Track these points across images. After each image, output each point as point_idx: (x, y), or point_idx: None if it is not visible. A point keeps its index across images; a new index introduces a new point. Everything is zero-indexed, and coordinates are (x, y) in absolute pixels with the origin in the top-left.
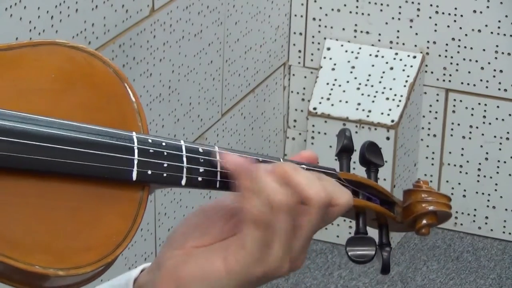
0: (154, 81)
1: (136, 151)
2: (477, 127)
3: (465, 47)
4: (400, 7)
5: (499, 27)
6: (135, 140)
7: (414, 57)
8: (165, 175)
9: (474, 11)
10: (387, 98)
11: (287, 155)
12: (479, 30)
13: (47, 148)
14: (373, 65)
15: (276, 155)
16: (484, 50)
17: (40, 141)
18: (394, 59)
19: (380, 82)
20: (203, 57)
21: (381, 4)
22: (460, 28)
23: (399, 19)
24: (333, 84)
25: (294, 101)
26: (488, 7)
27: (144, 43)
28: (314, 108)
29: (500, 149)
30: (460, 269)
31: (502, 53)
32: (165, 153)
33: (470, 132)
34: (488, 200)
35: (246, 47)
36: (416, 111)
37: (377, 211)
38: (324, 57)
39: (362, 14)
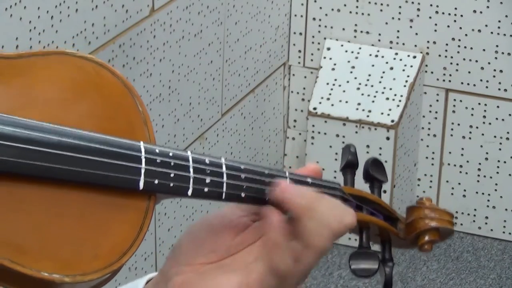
0: (154, 81)
1: (143, 161)
2: (477, 127)
3: (465, 47)
4: (400, 7)
5: (499, 27)
6: (143, 150)
7: (414, 57)
8: (171, 185)
9: (474, 11)
10: (387, 98)
11: (287, 155)
12: (479, 30)
13: (56, 155)
14: (373, 65)
15: (276, 155)
16: (484, 50)
17: (48, 148)
18: (394, 59)
19: (380, 82)
20: (203, 57)
21: (381, 4)
22: (460, 28)
23: (399, 19)
24: (333, 84)
25: (294, 101)
26: (488, 7)
27: (144, 43)
28: (314, 108)
29: (500, 149)
30: (460, 269)
31: (502, 53)
32: (172, 163)
33: (470, 132)
34: (488, 200)
35: (246, 47)
36: (416, 111)
37: (380, 226)
38: (324, 57)
39: (362, 14)
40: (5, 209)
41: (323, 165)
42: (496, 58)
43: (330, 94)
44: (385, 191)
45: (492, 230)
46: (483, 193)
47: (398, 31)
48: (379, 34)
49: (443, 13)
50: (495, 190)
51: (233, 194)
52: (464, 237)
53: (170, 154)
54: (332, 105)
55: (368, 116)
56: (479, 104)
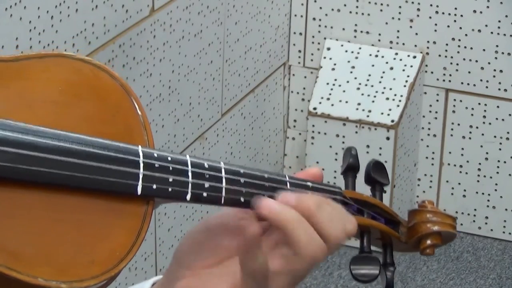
0: (154, 81)
1: (141, 165)
2: (477, 127)
3: (465, 47)
4: (400, 7)
5: (499, 27)
6: (141, 154)
7: (414, 57)
8: (170, 189)
9: (474, 11)
10: (387, 98)
11: (287, 155)
12: (479, 30)
13: (52, 160)
14: (373, 65)
15: (276, 155)
16: (484, 50)
17: (45, 153)
18: (394, 59)
19: (380, 82)
20: (203, 57)
21: (381, 4)
22: (460, 28)
23: (399, 19)
24: (333, 84)
25: (294, 101)
26: (488, 7)
27: (144, 43)
28: (314, 108)
29: (500, 149)
30: (460, 269)
31: (502, 53)
32: (171, 168)
33: (470, 132)
34: (488, 200)
35: (246, 47)
36: (416, 111)
37: (382, 230)
38: (324, 57)
39: (362, 14)
40: (0, 214)
41: (323, 165)
42: (496, 58)
43: (330, 94)
44: (385, 191)
45: (492, 230)
46: (483, 193)
47: (398, 31)
48: (379, 34)
49: (443, 13)
50: (495, 190)
51: (232, 199)
52: (464, 237)
53: (169, 158)
54: (332, 105)
55: (368, 116)
56: (479, 104)
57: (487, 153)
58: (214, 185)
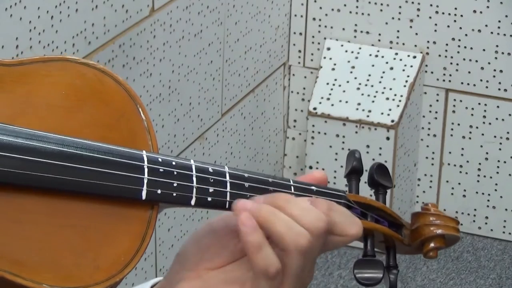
0: (154, 81)
1: (146, 170)
2: (477, 127)
3: (465, 47)
4: (400, 7)
5: (499, 27)
6: (145, 159)
7: (414, 57)
8: (174, 194)
9: (474, 11)
10: (387, 98)
11: (287, 155)
12: (479, 30)
13: (57, 165)
14: (373, 65)
15: (276, 155)
16: (484, 50)
17: (49, 158)
18: (394, 59)
19: (380, 82)
20: (203, 57)
21: (381, 4)
22: (460, 28)
23: (399, 19)
24: (333, 84)
25: (294, 101)
26: (488, 7)
27: (144, 43)
28: (314, 108)
29: (500, 149)
30: (460, 269)
31: (502, 53)
32: (175, 173)
33: (470, 132)
34: (488, 200)
35: (246, 47)
36: (416, 111)
37: (385, 233)
38: (324, 57)
39: (362, 14)
40: (5, 220)
41: (323, 165)
42: (496, 58)
43: (330, 94)
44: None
45: (492, 230)
46: (483, 193)
47: (398, 31)
48: (379, 34)
49: (443, 13)
50: (495, 190)
51: None
52: (464, 237)
53: (173, 163)
54: (332, 105)
55: (368, 116)
56: (479, 104)
57: (487, 153)
58: (218, 190)
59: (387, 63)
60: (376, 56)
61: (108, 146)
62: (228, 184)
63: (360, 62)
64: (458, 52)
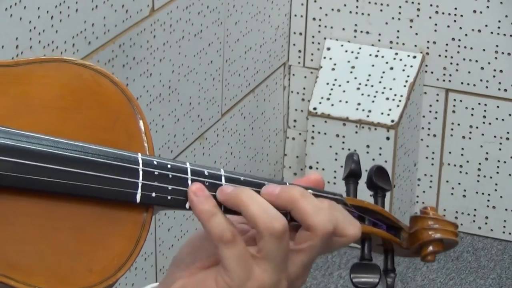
0: (154, 81)
1: (140, 173)
2: (477, 127)
3: (465, 47)
4: (400, 7)
5: (499, 27)
6: (140, 162)
7: (414, 57)
8: (169, 198)
9: (474, 11)
10: (387, 98)
11: (287, 155)
12: (479, 30)
13: (51, 168)
14: (373, 65)
15: (276, 155)
16: (484, 50)
17: (44, 161)
18: (394, 59)
19: (380, 82)
20: (203, 57)
21: (381, 4)
22: (460, 28)
23: (399, 19)
24: (333, 84)
25: (294, 101)
26: (488, 7)
27: (144, 43)
28: (314, 108)
29: (500, 149)
30: (460, 269)
31: (502, 53)
32: (170, 176)
33: (470, 132)
34: (488, 200)
35: (246, 47)
36: (416, 111)
37: (383, 237)
38: (324, 57)
39: (362, 14)
40: None
41: (323, 166)
42: (496, 58)
43: (330, 94)
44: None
45: (492, 230)
46: (483, 193)
47: (398, 31)
48: (379, 34)
49: (443, 13)
50: (495, 190)
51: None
52: (464, 237)
53: (168, 166)
54: (332, 105)
55: (368, 116)
56: (479, 104)
57: (487, 153)
58: (214, 194)
59: (387, 63)
60: (376, 56)
61: (103, 149)
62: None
63: (360, 62)
64: (458, 52)
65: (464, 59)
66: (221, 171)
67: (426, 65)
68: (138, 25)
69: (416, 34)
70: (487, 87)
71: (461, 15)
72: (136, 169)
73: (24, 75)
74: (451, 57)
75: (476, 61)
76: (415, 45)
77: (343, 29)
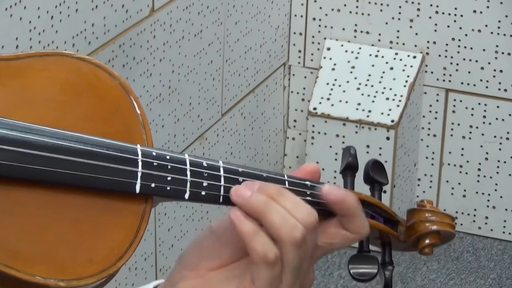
0: (154, 81)
1: (140, 164)
2: (477, 127)
3: (465, 47)
4: (400, 7)
5: (499, 27)
6: (140, 153)
7: (414, 57)
8: (168, 188)
9: (474, 11)
10: (387, 98)
11: (287, 155)
12: (479, 30)
13: (51, 159)
14: (373, 65)
15: (276, 155)
16: (484, 50)
17: (44, 151)
18: (394, 59)
19: (380, 82)
20: (203, 57)
21: (381, 4)
22: (460, 28)
23: (399, 19)
24: (333, 84)
25: (294, 101)
26: (488, 7)
27: (144, 43)
28: (314, 108)
29: (500, 149)
30: (460, 269)
31: (502, 53)
32: (169, 167)
33: (470, 132)
34: (488, 200)
35: (246, 47)
36: (416, 111)
37: (381, 229)
38: (324, 57)
39: (362, 14)
40: None
41: (323, 165)
42: (496, 58)
43: (330, 94)
44: (385, 191)
45: (492, 230)
46: (483, 193)
47: (398, 31)
48: (379, 34)
49: (443, 13)
50: (495, 190)
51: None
52: (464, 237)
53: (167, 157)
54: (332, 105)
55: (368, 116)
56: (479, 104)
57: (487, 153)
58: (212, 184)
59: (387, 63)
60: (376, 56)
61: (103, 140)
62: (222, 178)
63: (360, 62)
64: (458, 52)
65: (464, 59)
66: (219, 163)
67: (426, 65)
68: (138, 25)
69: (416, 34)
70: (487, 87)
71: (461, 15)
72: (136, 159)
73: (24, 68)
74: (451, 57)
75: (476, 61)
76: (415, 45)
77: (343, 29)
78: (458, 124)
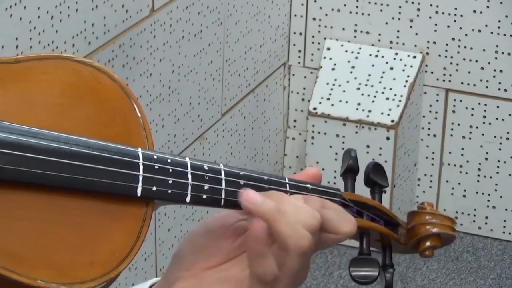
0: (154, 81)
1: (141, 167)
2: (477, 127)
3: (465, 47)
4: (400, 7)
5: (499, 27)
6: (141, 156)
7: (414, 57)
8: (169, 191)
9: (474, 11)
10: (387, 98)
11: (287, 155)
12: (479, 30)
13: (52, 162)
14: (373, 65)
15: (276, 155)
16: (484, 50)
17: (45, 155)
18: (394, 59)
19: (380, 82)
20: (203, 57)
21: (381, 4)
22: (460, 28)
23: (399, 19)
24: (333, 84)
25: (294, 101)
26: (488, 7)
27: (144, 43)
28: (314, 108)
29: (500, 149)
30: (460, 269)
31: (502, 53)
32: (170, 170)
33: (470, 132)
34: (488, 200)
35: (246, 47)
36: (416, 111)
37: (381, 232)
38: (324, 57)
39: (362, 14)
40: (0, 216)
41: (323, 165)
42: (496, 58)
43: (330, 94)
44: (385, 191)
45: (492, 230)
46: (483, 193)
47: (398, 31)
48: (379, 34)
49: (443, 13)
50: (495, 190)
51: (232, 201)
52: (464, 237)
53: (168, 160)
54: (332, 105)
55: (368, 116)
56: (479, 104)
57: (487, 153)
58: (213, 187)
59: (387, 63)
60: (376, 56)
61: (104, 143)
62: (223, 182)
63: (360, 62)
64: (458, 52)
65: (464, 59)
66: (220, 166)
67: (426, 65)
68: (138, 25)
69: (416, 34)
70: (487, 87)
71: (461, 15)
72: (137, 163)
73: (24, 71)
74: (451, 57)
75: (476, 61)
76: (415, 45)
77: (343, 29)
78: (458, 124)
